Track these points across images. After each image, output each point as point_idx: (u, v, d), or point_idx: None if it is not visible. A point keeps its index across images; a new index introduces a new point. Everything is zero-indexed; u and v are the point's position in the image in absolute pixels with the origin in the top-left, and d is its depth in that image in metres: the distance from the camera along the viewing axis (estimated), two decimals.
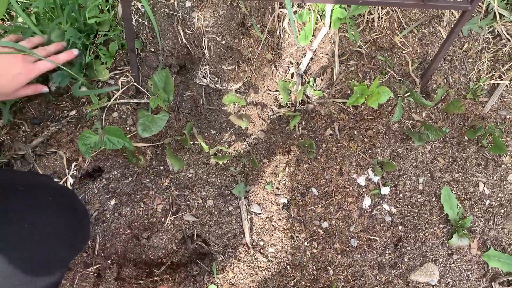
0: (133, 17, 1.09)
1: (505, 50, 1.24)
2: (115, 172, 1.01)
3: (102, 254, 0.96)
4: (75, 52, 0.95)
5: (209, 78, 1.12)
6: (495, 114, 1.20)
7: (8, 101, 1.01)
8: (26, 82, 0.87)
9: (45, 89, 0.94)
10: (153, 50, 1.10)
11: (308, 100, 1.18)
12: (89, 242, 0.95)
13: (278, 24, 1.15)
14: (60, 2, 0.96)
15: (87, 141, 0.86)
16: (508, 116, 1.20)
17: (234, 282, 0.97)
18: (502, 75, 1.23)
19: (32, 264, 0.59)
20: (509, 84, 1.23)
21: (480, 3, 1.25)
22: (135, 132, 1.02)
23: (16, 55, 0.85)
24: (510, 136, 1.17)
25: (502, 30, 1.25)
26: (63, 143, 1.00)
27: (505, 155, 1.14)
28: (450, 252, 1.04)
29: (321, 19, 1.16)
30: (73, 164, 0.99)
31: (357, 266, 1.02)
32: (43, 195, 0.66)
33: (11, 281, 0.57)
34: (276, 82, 1.18)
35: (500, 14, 1.25)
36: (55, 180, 0.97)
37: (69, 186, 0.98)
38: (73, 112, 1.04)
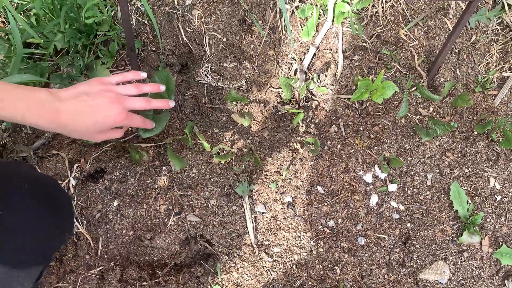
0: (133, 17, 1.08)
1: None
2: (118, 173, 1.00)
3: (105, 256, 0.95)
4: (171, 104, 0.88)
5: (211, 76, 1.10)
6: (505, 108, 1.17)
7: None
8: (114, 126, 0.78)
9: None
10: (154, 49, 1.08)
11: (312, 96, 1.16)
12: (91, 243, 0.95)
13: (280, 20, 1.13)
14: (58, 2, 0.95)
15: None
16: None
17: (239, 283, 0.96)
18: None
19: (12, 255, 0.59)
20: None
21: None
22: (137, 133, 1.01)
23: (118, 98, 0.76)
24: None
25: (511, 21, 1.22)
26: (64, 144, 0.99)
27: None
28: (460, 249, 1.01)
29: (323, 14, 1.14)
30: (75, 165, 0.98)
31: (365, 265, 1.00)
32: (22, 185, 0.65)
33: None
34: (279, 79, 1.16)
35: (508, 4, 1.21)
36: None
37: (71, 188, 0.97)
38: None
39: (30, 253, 0.61)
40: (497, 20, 1.22)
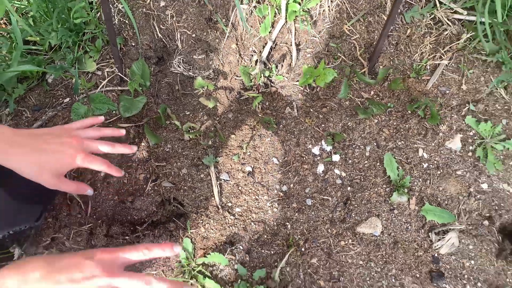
0: (115, 17, 1.28)
1: (446, 34, 1.41)
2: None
3: (94, 216, 1.14)
4: (134, 149, 0.90)
5: (183, 66, 1.29)
6: (436, 90, 1.37)
7: (14, 93, 1.20)
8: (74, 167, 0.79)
9: (90, 191, 0.87)
10: (133, 44, 1.28)
11: (271, 84, 1.35)
12: (82, 206, 1.14)
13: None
14: (52, 6, 1.14)
15: (77, 112, 1.04)
16: (447, 92, 1.36)
17: (205, 236, 1.15)
18: (442, 56, 1.39)
19: (19, 194, 0.77)
20: (449, 63, 1.40)
21: None
22: (120, 115, 1.20)
23: (76, 138, 0.79)
24: (448, 108, 1.34)
25: (442, 17, 1.42)
26: (59, 125, 1.18)
27: (443, 125, 1.31)
28: (391, 208, 1.21)
29: (278, 13, 1.34)
30: None
31: (311, 222, 1.20)
32: None
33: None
34: (239, 68, 1.35)
35: (440, 2, 1.41)
36: None
37: None
38: (67, 100, 1.23)
39: (32, 195, 0.81)
40: (430, 16, 1.42)
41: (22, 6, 1.21)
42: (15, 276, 0.60)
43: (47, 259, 0.63)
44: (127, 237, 1.13)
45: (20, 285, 0.59)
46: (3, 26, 1.32)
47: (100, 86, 1.22)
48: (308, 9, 1.34)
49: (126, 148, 0.88)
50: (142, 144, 1.21)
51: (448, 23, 1.41)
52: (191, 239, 1.15)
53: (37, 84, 1.24)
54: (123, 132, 0.91)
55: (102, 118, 0.91)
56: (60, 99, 1.22)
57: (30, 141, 0.73)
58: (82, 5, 1.13)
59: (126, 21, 1.27)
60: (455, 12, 1.42)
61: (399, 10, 1.39)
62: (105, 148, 0.83)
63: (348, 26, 1.35)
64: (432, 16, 1.42)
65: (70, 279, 0.61)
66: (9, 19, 1.28)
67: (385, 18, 1.37)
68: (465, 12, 1.40)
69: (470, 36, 1.38)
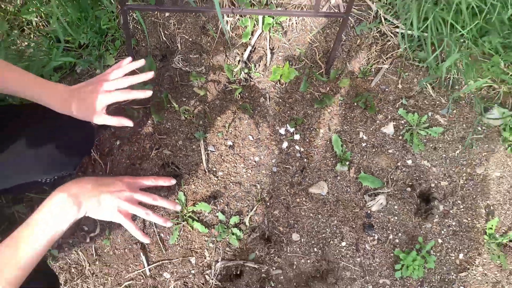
0: (130, 24, 1.65)
1: (389, 44, 1.80)
2: None
3: (111, 174, 1.52)
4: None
5: (181, 63, 1.67)
6: (378, 88, 1.76)
7: (51, 80, 1.57)
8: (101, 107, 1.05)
9: (130, 122, 1.12)
10: (144, 45, 1.65)
11: (251, 79, 1.74)
12: (103, 166, 1.52)
13: (226, 27, 1.71)
14: (84, 15, 1.52)
15: None
16: (386, 89, 1.76)
17: (195, 191, 1.54)
18: (384, 61, 1.79)
19: (63, 145, 1.14)
20: (389, 67, 1.79)
21: (369, 11, 1.81)
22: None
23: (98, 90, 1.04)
24: (385, 102, 1.73)
25: (386, 30, 1.81)
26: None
27: (380, 114, 1.70)
28: (335, 175, 1.60)
29: (256, 24, 1.72)
30: None
31: (276, 184, 1.59)
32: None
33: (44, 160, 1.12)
34: (224, 66, 1.73)
35: (385, 18, 1.80)
36: None
37: None
38: None
39: (73, 148, 1.18)
40: (376, 30, 1.81)
41: (60, 14, 1.58)
42: (76, 185, 0.98)
43: (95, 178, 1.02)
44: None
45: (78, 191, 0.97)
46: (42, 27, 1.69)
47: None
48: (280, 22, 1.72)
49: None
50: (149, 121, 1.59)
51: (391, 35, 1.81)
52: (184, 193, 1.53)
53: (68, 74, 1.62)
54: (141, 62, 1.16)
55: (129, 59, 1.15)
56: None
57: (77, 94, 1.03)
58: (108, 14, 1.50)
59: (139, 27, 1.65)
60: (397, 27, 1.81)
61: (352, 24, 1.78)
62: (120, 82, 1.10)
63: (311, 37, 1.74)
64: (378, 29, 1.81)
65: (108, 190, 1.00)
66: (48, 22, 1.65)
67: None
68: (404, 27, 1.80)
69: (407, 46, 1.78)
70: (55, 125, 1.15)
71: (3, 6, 1.62)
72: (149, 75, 1.12)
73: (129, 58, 1.15)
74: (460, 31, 1.51)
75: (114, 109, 1.57)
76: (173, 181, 1.17)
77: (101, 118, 1.08)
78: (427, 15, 1.61)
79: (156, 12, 1.64)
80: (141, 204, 1.05)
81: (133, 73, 1.15)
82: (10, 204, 1.49)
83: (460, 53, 1.51)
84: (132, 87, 1.12)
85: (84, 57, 1.61)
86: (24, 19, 1.62)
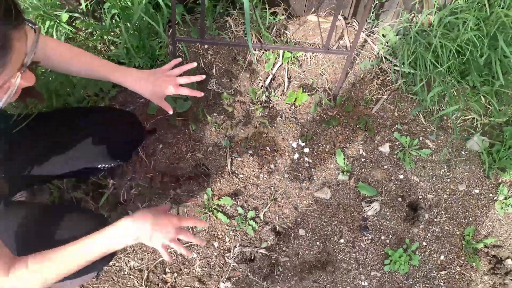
0: (177, 52, 2.05)
1: (388, 79, 2.15)
2: (162, 131, 1.94)
3: (154, 169, 1.87)
4: (203, 76, 1.42)
5: (215, 86, 2.05)
6: (377, 114, 2.10)
7: (109, 93, 1.96)
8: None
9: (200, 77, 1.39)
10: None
11: (270, 101, 2.10)
12: (147, 164, 1.87)
13: (253, 59, 2.09)
14: (142, 43, 1.92)
15: (152, 107, 1.79)
16: (384, 116, 2.09)
17: (220, 188, 1.87)
18: (384, 93, 2.13)
19: (117, 140, 1.50)
20: (387, 98, 2.13)
21: (371, 50, 2.17)
22: (177, 111, 1.94)
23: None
24: (383, 126, 2.06)
25: (386, 68, 2.17)
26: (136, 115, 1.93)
27: (378, 136, 2.03)
28: (338, 183, 1.92)
29: (278, 57, 2.10)
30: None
31: (287, 188, 1.90)
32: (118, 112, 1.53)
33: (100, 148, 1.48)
34: (249, 90, 2.11)
35: (385, 57, 2.17)
36: None
37: None
38: (142, 100, 1.98)
39: (128, 140, 1.53)
40: (378, 67, 2.17)
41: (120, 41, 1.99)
42: (140, 219, 1.07)
43: (154, 217, 1.09)
44: (172, 184, 1.85)
45: (139, 226, 1.06)
46: (104, 51, 2.11)
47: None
48: (297, 56, 2.10)
49: (197, 77, 1.40)
50: (186, 130, 1.96)
51: (390, 72, 2.16)
52: (211, 189, 1.86)
53: (124, 89, 2.01)
54: (194, 64, 1.44)
55: (179, 60, 1.46)
56: (138, 98, 1.98)
57: (154, 77, 1.34)
58: (160, 44, 1.91)
59: (183, 56, 2.05)
60: (395, 65, 2.17)
61: (356, 61, 2.14)
62: (184, 79, 1.36)
63: (322, 69, 2.10)
64: (380, 66, 2.17)
65: (160, 231, 1.10)
66: (109, 48, 2.07)
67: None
68: (402, 66, 2.15)
69: (403, 81, 2.12)
70: (116, 126, 1.52)
71: (77, 35, 2.05)
72: (200, 77, 1.42)
73: (179, 59, 1.47)
74: (439, 68, 1.85)
75: (159, 119, 1.95)
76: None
77: (162, 103, 1.40)
78: (417, 56, 1.97)
79: (198, 44, 2.05)
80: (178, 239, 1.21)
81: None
82: (69, 190, 1.85)
83: (442, 87, 1.85)
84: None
85: None
86: (89, 45, 2.04)
